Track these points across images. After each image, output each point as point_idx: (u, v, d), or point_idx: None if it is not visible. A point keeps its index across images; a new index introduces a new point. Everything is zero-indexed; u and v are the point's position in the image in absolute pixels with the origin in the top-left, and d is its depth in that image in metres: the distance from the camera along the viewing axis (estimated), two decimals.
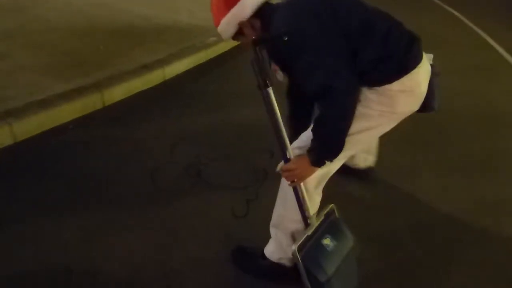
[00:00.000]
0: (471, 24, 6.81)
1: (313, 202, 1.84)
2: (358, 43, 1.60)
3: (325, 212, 1.87)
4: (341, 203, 1.97)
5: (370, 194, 2.60)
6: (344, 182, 2.54)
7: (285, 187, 1.82)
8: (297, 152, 1.77)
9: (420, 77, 1.71)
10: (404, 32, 1.69)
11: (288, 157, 1.74)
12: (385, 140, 2.39)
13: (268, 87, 1.61)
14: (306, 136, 1.79)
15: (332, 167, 1.79)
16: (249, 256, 2.08)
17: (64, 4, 5.47)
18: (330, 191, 1.93)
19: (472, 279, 2.05)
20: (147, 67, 3.98)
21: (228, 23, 1.68)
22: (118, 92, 3.64)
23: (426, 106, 1.80)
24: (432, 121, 3.18)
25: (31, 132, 3.05)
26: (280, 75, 1.84)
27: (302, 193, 1.76)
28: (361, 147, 1.92)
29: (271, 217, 1.95)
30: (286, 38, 1.52)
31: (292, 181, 1.74)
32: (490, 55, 5.46)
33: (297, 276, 1.74)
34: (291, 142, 1.76)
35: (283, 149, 1.73)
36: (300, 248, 1.67)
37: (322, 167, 1.71)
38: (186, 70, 4.30)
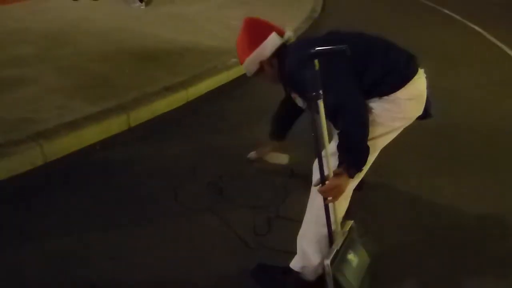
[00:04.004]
0: (493, 39, 6.79)
1: (341, 210, 1.95)
2: (364, 63, 1.83)
3: (347, 228, 1.92)
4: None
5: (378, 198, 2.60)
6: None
7: (316, 202, 1.89)
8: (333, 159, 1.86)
9: (421, 85, 1.95)
10: (401, 50, 1.95)
11: (326, 174, 1.78)
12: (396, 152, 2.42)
13: (319, 99, 1.69)
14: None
15: (360, 175, 1.92)
16: (270, 273, 2.12)
17: (89, 29, 5.70)
18: None
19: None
20: (170, 89, 4.10)
21: (251, 62, 2.06)
22: (143, 114, 3.75)
23: (427, 113, 2.05)
24: (447, 136, 3.18)
25: (61, 153, 3.16)
26: (299, 101, 2.18)
27: (334, 209, 1.83)
28: (378, 151, 2.03)
29: (292, 234, 1.99)
30: (348, 53, 1.60)
31: (326, 198, 1.80)
32: None
33: None
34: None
35: (321, 166, 1.77)
36: (331, 262, 1.71)
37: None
38: (208, 91, 4.41)
